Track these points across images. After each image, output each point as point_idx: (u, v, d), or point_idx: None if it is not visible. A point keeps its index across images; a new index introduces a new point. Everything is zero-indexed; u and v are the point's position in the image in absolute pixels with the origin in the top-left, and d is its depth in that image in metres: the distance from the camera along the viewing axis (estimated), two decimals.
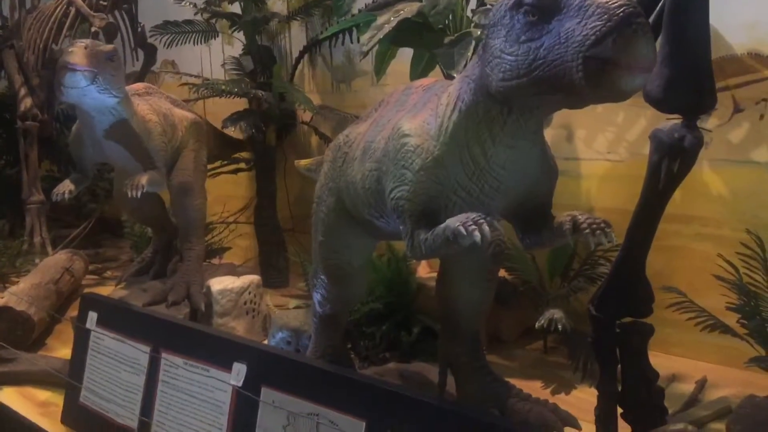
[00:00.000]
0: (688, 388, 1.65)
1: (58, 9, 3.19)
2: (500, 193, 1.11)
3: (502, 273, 1.85)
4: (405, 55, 2.00)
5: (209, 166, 2.55)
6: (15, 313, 2.07)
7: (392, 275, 1.93)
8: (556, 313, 1.73)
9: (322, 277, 1.49)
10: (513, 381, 1.40)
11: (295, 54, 2.81)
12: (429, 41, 1.82)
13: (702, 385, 1.66)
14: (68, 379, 1.69)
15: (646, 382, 1.29)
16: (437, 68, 1.87)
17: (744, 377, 1.66)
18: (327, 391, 1.21)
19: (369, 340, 1.85)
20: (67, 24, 3.16)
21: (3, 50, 3.40)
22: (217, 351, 1.40)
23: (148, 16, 3.30)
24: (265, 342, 1.92)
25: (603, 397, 1.31)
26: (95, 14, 3.10)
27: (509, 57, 0.95)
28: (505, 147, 1.06)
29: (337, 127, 2.64)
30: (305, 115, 2.79)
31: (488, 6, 1.03)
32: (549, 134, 1.41)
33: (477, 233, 0.95)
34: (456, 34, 1.78)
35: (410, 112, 1.20)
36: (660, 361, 1.36)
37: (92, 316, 1.67)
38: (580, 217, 1.03)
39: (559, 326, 1.71)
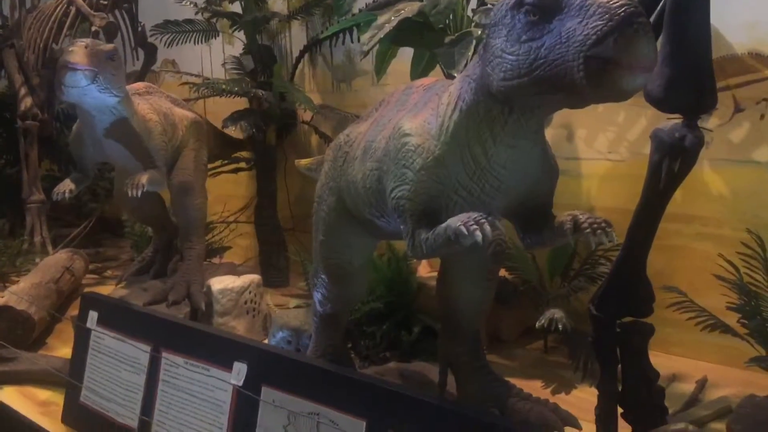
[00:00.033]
0: (688, 387, 1.65)
1: (59, 8, 3.20)
2: (501, 192, 1.11)
3: (502, 272, 1.86)
4: (405, 54, 2.00)
5: (209, 166, 2.55)
6: (15, 312, 2.07)
7: (393, 275, 1.93)
8: (557, 313, 1.73)
9: (323, 276, 1.49)
10: (513, 381, 1.40)
11: (296, 53, 2.81)
12: (430, 41, 1.82)
13: (702, 384, 1.66)
14: (69, 378, 1.69)
15: (647, 381, 1.29)
16: (438, 68, 1.87)
17: (744, 377, 1.66)
18: (327, 391, 1.21)
19: (369, 340, 1.85)
20: (68, 23, 3.16)
21: (3, 49, 3.40)
22: (217, 350, 1.40)
23: (148, 16, 3.30)
24: (266, 341, 1.92)
25: (603, 397, 1.31)
26: (95, 13, 3.10)
27: (510, 56, 0.95)
28: (506, 146, 1.06)
29: (338, 126, 2.64)
30: (306, 115, 2.78)
31: (489, 5, 1.03)
32: (549, 134, 1.42)
33: (478, 233, 0.95)
34: (457, 34, 1.78)
35: (411, 112, 1.20)
36: (660, 360, 1.36)
37: (93, 315, 1.67)
38: (580, 216, 1.03)
39: (560, 326, 1.71)
